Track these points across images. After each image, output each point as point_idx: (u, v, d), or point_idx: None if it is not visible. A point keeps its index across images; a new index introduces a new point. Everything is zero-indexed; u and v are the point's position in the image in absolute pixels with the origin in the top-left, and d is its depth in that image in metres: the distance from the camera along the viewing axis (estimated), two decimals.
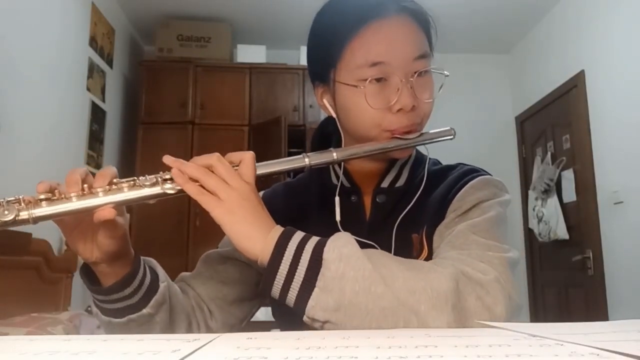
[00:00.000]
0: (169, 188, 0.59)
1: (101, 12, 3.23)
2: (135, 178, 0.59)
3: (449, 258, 0.62)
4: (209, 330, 0.75)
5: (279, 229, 0.59)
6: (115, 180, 0.59)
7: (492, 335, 0.40)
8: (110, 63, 3.40)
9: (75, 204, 0.56)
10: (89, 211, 0.57)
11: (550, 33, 3.70)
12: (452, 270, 0.57)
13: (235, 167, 0.62)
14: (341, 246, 0.56)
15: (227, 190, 0.58)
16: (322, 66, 0.73)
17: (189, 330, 0.73)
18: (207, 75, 3.65)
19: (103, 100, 3.27)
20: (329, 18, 0.74)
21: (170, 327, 0.69)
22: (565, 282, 3.46)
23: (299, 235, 0.59)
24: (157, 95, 3.56)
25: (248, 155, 0.62)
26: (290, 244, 0.57)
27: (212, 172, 0.60)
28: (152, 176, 0.60)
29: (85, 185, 0.57)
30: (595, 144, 3.14)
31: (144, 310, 0.64)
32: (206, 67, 3.66)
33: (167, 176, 0.60)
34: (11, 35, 2.21)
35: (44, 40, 2.51)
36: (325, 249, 0.56)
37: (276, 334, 0.42)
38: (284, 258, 0.56)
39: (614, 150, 2.98)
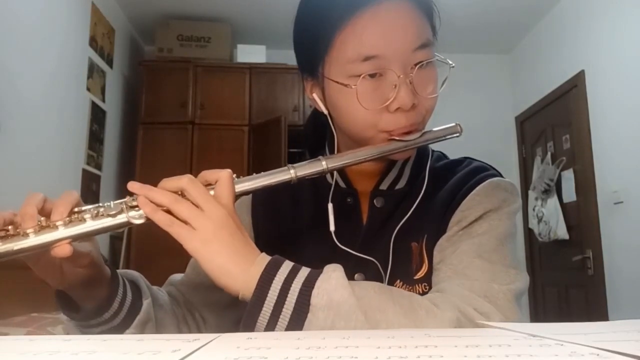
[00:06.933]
0: (136, 217, 0.53)
1: (101, 12, 3.23)
2: (100, 205, 0.54)
3: (450, 292, 0.57)
4: None
5: (261, 262, 0.53)
6: (76, 209, 0.53)
7: (492, 335, 0.40)
8: (110, 63, 3.39)
9: (31, 241, 0.51)
10: (48, 246, 0.51)
11: (550, 33, 3.70)
12: (453, 316, 0.52)
13: (211, 188, 0.55)
14: (332, 290, 0.50)
15: (201, 218, 0.52)
16: (310, 59, 0.65)
17: None
18: (207, 75, 3.64)
19: (103, 100, 3.27)
20: (316, 2, 0.65)
21: None
22: (565, 282, 3.46)
23: (284, 269, 0.53)
24: (157, 95, 3.55)
25: (224, 174, 0.55)
26: (274, 281, 0.51)
27: (184, 196, 0.54)
28: (119, 202, 0.54)
29: (43, 219, 0.52)
30: (595, 144, 3.14)
31: (127, 332, 0.60)
32: (206, 67, 3.66)
33: (135, 202, 0.53)
34: (11, 35, 2.21)
35: (43, 40, 2.51)
36: (314, 293, 0.50)
37: (276, 334, 0.42)
38: (268, 297, 0.51)
39: (614, 150, 2.98)
